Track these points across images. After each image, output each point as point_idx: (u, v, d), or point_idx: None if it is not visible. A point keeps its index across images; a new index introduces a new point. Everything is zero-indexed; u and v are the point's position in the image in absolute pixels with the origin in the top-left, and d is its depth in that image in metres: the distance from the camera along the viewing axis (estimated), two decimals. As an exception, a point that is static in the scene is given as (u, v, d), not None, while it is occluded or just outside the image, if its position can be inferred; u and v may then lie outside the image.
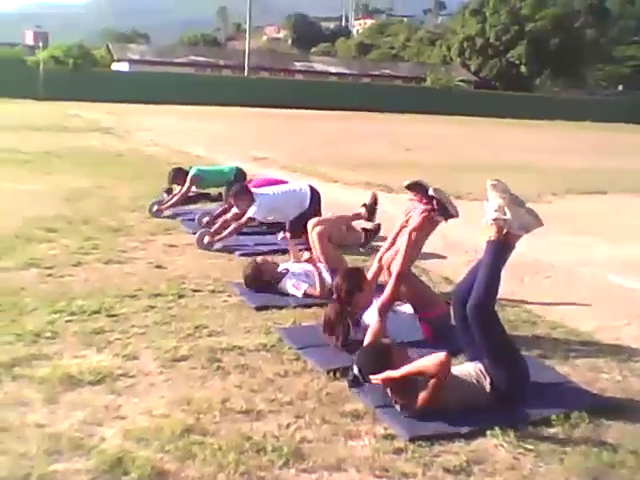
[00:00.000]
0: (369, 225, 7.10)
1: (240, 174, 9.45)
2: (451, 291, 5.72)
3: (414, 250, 4.91)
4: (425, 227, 4.89)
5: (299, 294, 5.51)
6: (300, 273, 5.71)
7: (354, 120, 37.05)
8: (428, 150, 20.76)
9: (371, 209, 6.22)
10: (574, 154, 21.78)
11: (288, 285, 5.59)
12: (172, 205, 8.75)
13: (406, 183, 4.98)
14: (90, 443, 3.13)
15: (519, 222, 3.73)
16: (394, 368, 3.50)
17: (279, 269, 5.76)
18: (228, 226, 7.20)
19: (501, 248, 3.77)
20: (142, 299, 5.26)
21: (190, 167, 9.48)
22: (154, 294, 5.38)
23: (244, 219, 7.17)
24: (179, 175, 9.20)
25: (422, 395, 3.43)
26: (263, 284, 5.58)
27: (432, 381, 3.42)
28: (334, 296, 4.66)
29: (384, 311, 4.38)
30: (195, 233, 7.33)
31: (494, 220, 3.74)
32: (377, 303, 4.49)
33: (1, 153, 14.37)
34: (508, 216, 3.70)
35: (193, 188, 9.24)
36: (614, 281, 6.46)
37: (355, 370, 3.60)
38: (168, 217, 8.52)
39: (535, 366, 3.97)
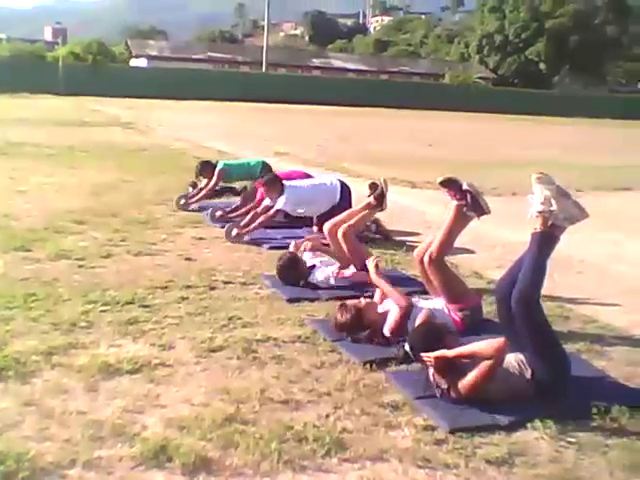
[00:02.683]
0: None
1: (266, 168, 9.46)
2: (482, 285, 5.74)
3: (448, 244, 4.93)
4: (458, 222, 4.92)
5: (332, 280, 5.57)
6: (328, 263, 5.81)
7: (372, 116, 36.99)
8: (449, 146, 20.72)
9: (380, 197, 6.14)
10: (595, 151, 21.65)
11: (318, 274, 5.63)
12: (200, 199, 8.77)
13: (439, 179, 5.00)
14: (132, 430, 3.15)
15: (565, 213, 3.73)
16: (447, 349, 3.53)
17: (308, 264, 5.78)
18: (257, 217, 7.22)
19: (546, 240, 3.77)
20: (174, 290, 5.28)
21: (217, 161, 9.48)
22: (185, 286, 5.41)
23: (272, 211, 7.18)
24: (206, 168, 9.23)
25: (470, 378, 3.42)
26: (295, 276, 5.58)
27: (486, 363, 3.42)
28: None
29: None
30: (223, 227, 7.35)
31: (540, 212, 3.73)
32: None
33: (26, 147, 14.48)
34: (554, 207, 3.69)
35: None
36: (645, 277, 6.42)
37: (407, 347, 3.60)
38: (194, 210, 8.55)
39: (572, 360, 3.95)
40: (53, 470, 2.82)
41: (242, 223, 7.25)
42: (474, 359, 3.47)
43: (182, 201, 8.66)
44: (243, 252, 6.74)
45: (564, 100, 59.20)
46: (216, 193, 9.32)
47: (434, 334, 3.65)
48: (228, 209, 8.15)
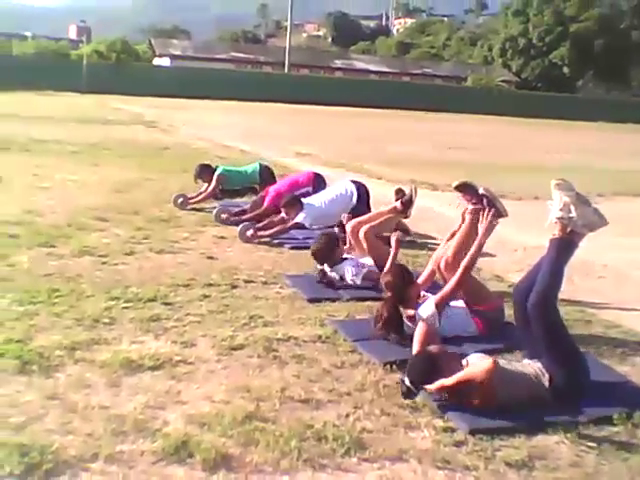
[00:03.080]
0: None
1: (265, 172, 9.46)
2: (503, 288, 5.73)
3: (464, 248, 4.93)
4: (474, 226, 4.92)
5: (358, 279, 5.64)
6: (359, 262, 5.86)
7: (394, 118, 36.97)
8: (470, 149, 20.64)
9: (407, 203, 6.15)
10: (617, 156, 21.49)
11: (347, 268, 5.70)
12: (198, 202, 8.77)
13: (455, 184, 5.01)
14: (154, 426, 3.18)
15: (584, 220, 3.71)
16: (446, 375, 3.48)
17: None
18: (274, 225, 7.29)
19: (565, 246, 3.76)
20: (196, 288, 5.32)
21: (217, 165, 9.49)
22: (207, 284, 5.44)
23: (291, 223, 7.27)
24: (205, 171, 9.20)
25: (475, 400, 3.42)
26: (328, 255, 5.80)
27: (480, 388, 3.41)
28: (386, 294, 4.67)
29: (442, 305, 4.40)
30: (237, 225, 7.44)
31: (559, 219, 3.72)
32: (434, 298, 4.50)
33: (50, 144, 14.63)
34: (573, 214, 3.68)
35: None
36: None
37: (407, 382, 3.55)
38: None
39: (593, 365, 3.93)
40: (76, 463, 2.85)
41: (257, 226, 7.32)
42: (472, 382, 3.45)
43: (180, 200, 8.67)
44: (264, 251, 6.78)
45: (587, 104, 58.87)
46: (216, 196, 9.27)
47: (430, 365, 3.56)
48: (234, 211, 8.19)
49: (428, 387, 3.50)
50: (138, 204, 8.53)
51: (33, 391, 3.44)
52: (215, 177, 9.04)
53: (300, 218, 7.25)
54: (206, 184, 9.11)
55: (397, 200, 6.20)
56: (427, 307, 4.50)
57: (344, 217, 7.00)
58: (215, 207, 8.45)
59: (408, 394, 3.54)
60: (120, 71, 48.96)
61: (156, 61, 61.88)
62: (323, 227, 7.44)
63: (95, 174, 10.94)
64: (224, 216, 7.98)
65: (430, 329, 4.17)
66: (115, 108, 31.16)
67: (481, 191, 4.89)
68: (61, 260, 5.88)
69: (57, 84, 42.98)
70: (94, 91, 43.47)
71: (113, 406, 3.35)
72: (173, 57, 60.75)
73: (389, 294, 4.63)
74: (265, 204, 8.10)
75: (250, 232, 7.14)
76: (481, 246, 4.58)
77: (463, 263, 4.50)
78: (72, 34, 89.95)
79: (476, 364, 3.53)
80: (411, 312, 4.53)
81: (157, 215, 7.96)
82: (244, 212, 8.13)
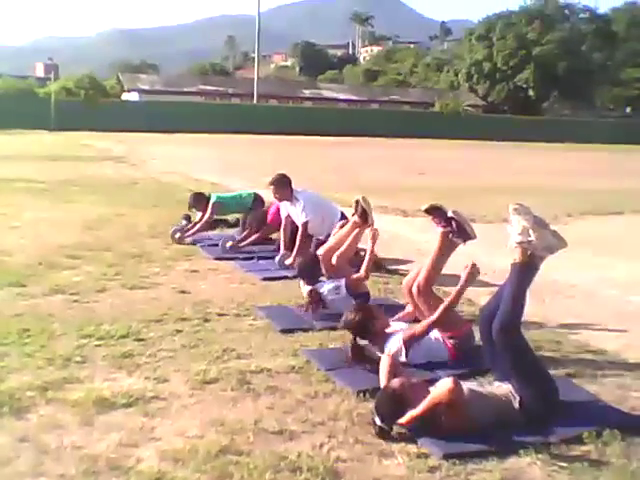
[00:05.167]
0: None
1: (258, 200, 9.53)
2: (474, 312, 5.78)
3: (435, 271, 5.00)
4: (444, 249, 5.00)
5: (342, 292, 5.76)
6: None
7: (364, 146, 37.22)
8: (440, 174, 20.85)
9: (363, 214, 6.21)
10: (585, 175, 21.82)
11: (325, 288, 5.79)
12: (195, 232, 8.78)
13: (424, 207, 5.08)
14: (127, 464, 3.17)
15: (544, 244, 3.77)
16: (415, 405, 3.49)
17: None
18: (291, 238, 7.62)
19: (526, 270, 3.81)
20: (168, 323, 5.31)
21: (210, 194, 9.53)
22: (180, 318, 5.43)
23: (302, 228, 7.50)
24: (199, 200, 9.25)
25: (446, 423, 3.44)
26: (314, 274, 5.97)
27: (449, 409, 3.44)
28: (351, 334, 4.67)
29: (410, 342, 4.46)
30: (218, 259, 7.56)
31: (519, 243, 3.78)
32: (402, 334, 4.55)
33: (20, 183, 14.54)
34: (532, 238, 3.74)
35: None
36: (636, 301, 6.47)
37: (378, 422, 3.54)
38: (188, 243, 8.58)
39: (564, 385, 3.98)
40: (49, 505, 2.83)
41: (282, 250, 7.56)
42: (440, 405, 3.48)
43: (177, 235, 8.68)
44: (237, 284, 6.78)
45: (553, 125, 59.94)
46: (210, 226, 9.34)
47: (396, 400, 3.54)
48: (238, 238, 8.29)
49: (399, 422, 3.51)
50: (109, 240, 8.51)
51: (4, 433, 3.41)
52: (210, 205, 9.05)
53: (303, 214, 7.49)
54: (200, 213, 9.14)
55: (353, 215, 6.29)
56: (394, 342, 4.54)
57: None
58: (192, 241, 8.62)
59: (382, 433, 3.54)
60: (89, 107, 48.89)
61: (125, 96, 61.88)
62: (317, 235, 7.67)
63: (65, 211, 10.89)
64: (229, 244, 8.09)
65: (395, 362, 4.20)
66: (84, 144, 31.08)
67: (450, 214, 4.96)
68: (32, 299, 5.84)
69: (25, 122, 42.76)
70: (63, 128, 43.31)
71: (86, 445, 3.33)
72: (142, 92, 60.79)
73: (352, 334, 4.64)
74: (268, 221, 8.42)
75: (289, 261, 7.26)
76: (460, 294, 4.61)
77: (441, 308, 4.54)
78: (39, 72, 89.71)
79: (438, 387, 3.56)
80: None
81: (129, 251, 7.93)
82: (247, 237, 8.31)
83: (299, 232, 7.51)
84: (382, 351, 4.54)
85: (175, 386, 4.11)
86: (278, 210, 8.20)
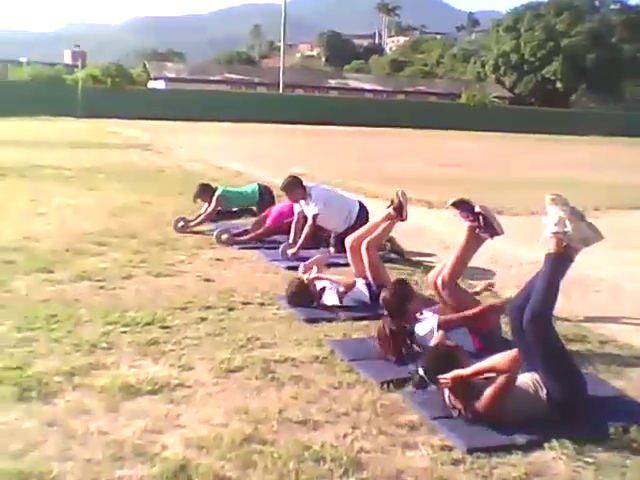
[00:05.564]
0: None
1: (265, 192, 9.56)
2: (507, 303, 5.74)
3: (461, 265, 4.98)
4: (471, 243, 4.97)
5: (336, 300, 5.61)
6: (336, 283, 5.81)
7: (389, 136, 37.08)
8: (466, 166, 20.72)
9: (399, 207, 6.18)
10: (612, 169, 21.55)
11: (327, 297, 5.66)
12: (198, 223, 8.76)
13: (451, 201, 5.05)
14: (153, 450, 3.19)
15: (579, 235, 3.74)
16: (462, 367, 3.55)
17: (317, 287, 5.80)
18: (300, 231, 7.58)
19: (560, 261, 3.78)
20: (193, 311, 5.34)
21: (216, 186, 9.54)
22: (205, 306, 5.46)
23: (310, 220, 7.52)
24: (205, 192, 9.28)
25: (487, 395, 3.44)
26: (307, 299, 5.63)
27: (502, 378, 3.45)
28: (385, 312, 4.70)
29: (445, 327, 4.47)
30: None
31: (554, 233, 3.74)
32: (437, 317, 4.54)
33: (46, 170, 14.67)
34: (569, 229, 3.71)
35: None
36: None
37: (421, 371, 3.61)
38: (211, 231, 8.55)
39: (590, 380, 3.95)
40: (75, 489, 2.86)
41: (290, 241, 7.51)
42: (488, 377, 3.49)
43: (180, 223, 8.66)
44: (261, 273, 6.80)
45: (581, 118, 59.13)
46: (216, 216, 9.28)
47: (447, 356, 3.67)
48: (235, 232, 8.23)
49: (443, 377, 3.53)
50: (135, 228, 8.56)
51: (32, 418, 3.45)
52: (215, 198, 9.09)
53: (312, 205, 7.53)
54: (206, 204, 9.16)
55: (389, 207, 6.23)
56: (426, 325, 4.53)
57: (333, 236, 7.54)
58: (213, 229, 8.47)
59: (420, 384, 3.57)
60: (115, 95, 49.13)
61: (151, 84, 62.10)
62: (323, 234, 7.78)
63: (92, 198, 10.97)
64: (225, 237, 8.01)
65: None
66: (111, 132, 31.23)
67: (477, 209, 4.93)
68: (59, 285, 5.90)
69: (53, 109, 43.01)
70: (89, 115, 43.54)
71: (112, 431, 3.36)
72: (168, 80, 60.95)
73: (387, 312, 4.66)
74: (267, 223, 8.23)
75: (291, 251, 7.28)
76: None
77: (486, 307, 4.67)
78: (67, 59, 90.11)
79: (499, 355, 3.56)
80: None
81: (154, 238, 7.98)
82: (246, 232, 8.18)
83: (307, 224, 7.53)
84: (410, 333, 4.53)
85: (200, 374, 4.13)
86: (281, 212, 8.26)
